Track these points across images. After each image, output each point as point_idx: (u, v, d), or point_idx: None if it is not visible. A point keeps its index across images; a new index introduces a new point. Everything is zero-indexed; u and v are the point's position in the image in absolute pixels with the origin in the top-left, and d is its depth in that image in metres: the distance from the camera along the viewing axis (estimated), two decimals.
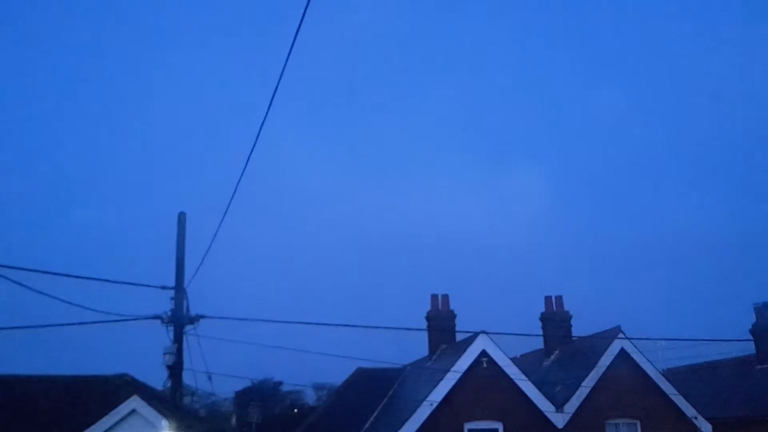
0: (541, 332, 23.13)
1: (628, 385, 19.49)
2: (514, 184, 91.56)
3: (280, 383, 50.94)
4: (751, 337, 24.39)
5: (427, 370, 21.11)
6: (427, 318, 23.08)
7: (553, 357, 23.03)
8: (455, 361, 18.63)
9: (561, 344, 22.99)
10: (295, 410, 45.72)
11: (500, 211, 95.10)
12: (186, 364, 12.84)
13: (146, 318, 12.50)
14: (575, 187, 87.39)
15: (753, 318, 24.75)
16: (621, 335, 19.81)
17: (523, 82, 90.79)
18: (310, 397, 50.03)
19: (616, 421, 19.40)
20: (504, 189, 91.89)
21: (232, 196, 12.40)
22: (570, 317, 22.99)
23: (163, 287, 12.77)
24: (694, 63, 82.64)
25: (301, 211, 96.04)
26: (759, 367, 24.15)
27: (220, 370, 14.25)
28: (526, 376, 18.96)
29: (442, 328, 22.43)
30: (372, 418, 21.31)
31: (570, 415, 18.47)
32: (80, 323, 11.57)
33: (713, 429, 19.69)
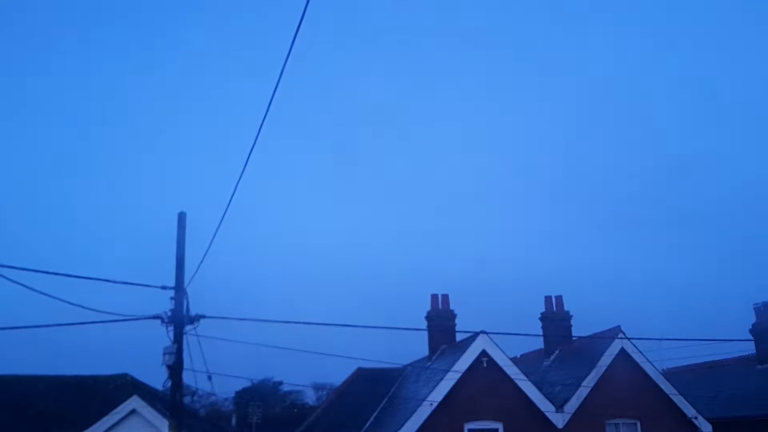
0: (541, 332, 23.13)
1: (628, 385, 19.49)
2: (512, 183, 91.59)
3: (280, 383, 51.08)
4: (751, 337, 24.41)
5: (427, 370, 21.12)
6: (427, 318, 23.09)
7: (553, 357, 23.04)
8: (455, 361, 18.64)
9: (561, 344, 22.99)
10: (295, 410, 45.78)
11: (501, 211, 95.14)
12: (186, 364, 12.85)
13: (146, 318, 12.52)
14: (573, 184, 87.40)
15: (753, 318, 24.78)
16: (621, 335, 19.81)
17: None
18: (310, 397, 50.17)
19: (616, 421, 19.40)
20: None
21: (232, 196, 12.43)
22: (570, 317, 23.00)
23: (163, 287, 12.78)
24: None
25: (302, 210, 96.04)
26: (759, 367, 24.15)
27: (220, 370, 14.26)
28: (526, 376, 18.96)
29: (442, 328, 22.44)
30: (372, 418, 21.31)
31: (570, 415, 18.47)
32: (80, 323, 11.59)
33: (713, 429, 19.69)
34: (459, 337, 21.98)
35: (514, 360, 20.07)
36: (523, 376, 18.74)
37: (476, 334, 18.91)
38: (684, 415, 19.59)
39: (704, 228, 76.15)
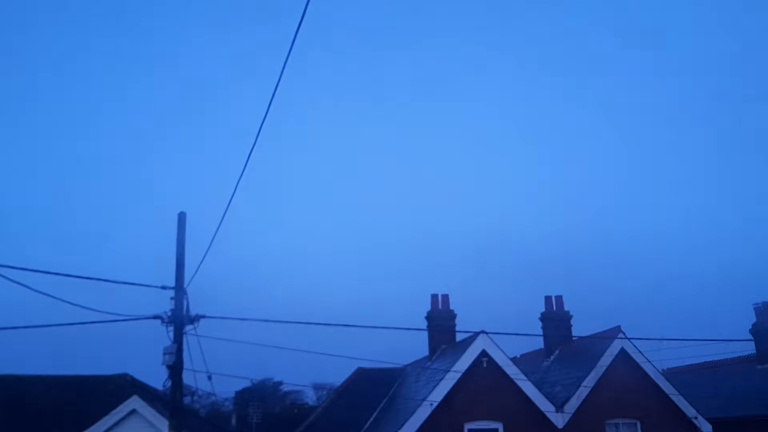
0: (541, 332, 23.12)
1: (628, 385, 19.49)
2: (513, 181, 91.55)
3: (280, 383, 51.09)
4: (751, 337, 24.41)
5: (427, 370, 21.12)
6: (427, 318, 23.07)
7: (553, 357, 23.03)
8: (455, 361, 18.64)
9: (561, 344, 22.99)
10: (295, 410, 45.79)
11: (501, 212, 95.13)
12: (186, 364, 12.85)
13: (146, 318, 12.52)
14: (574, 184, 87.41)
15: (753, 318, 24.77)
16: (621, 335, 19.80)
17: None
18: (310, 397, 50.20)
19: (616, 421, 19.40)
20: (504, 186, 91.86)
21: (232, 196, 12.43)
22: (570, 317, 22.99)
23: (163, 287, 12.78)
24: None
25: (302, 209, 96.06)
26: (759, 367, 24.15)
27: (220, 370, 14.26)
28: (526, 376, 18.95)
29: (442, 328, 22.43)
30: (372, 418, 21.32)
31: (570, 415, 18.46)
32: (80, 323, 11.59)
33: (713, 429, 19.69)
34: (459, 337, 21.97)
35: (514, 360, 20.05)
36: (523, 376, 18.74)
37: (476, 334, 18.90)
38: (684, 415, 19.58)
39: (704, 228, 76.16)
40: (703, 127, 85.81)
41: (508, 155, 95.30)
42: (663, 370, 23.40)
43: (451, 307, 23.06)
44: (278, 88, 8.38)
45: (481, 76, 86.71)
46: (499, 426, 18.39)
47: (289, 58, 7.59)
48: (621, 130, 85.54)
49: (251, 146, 10.31)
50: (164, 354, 12.59)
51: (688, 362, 25.87)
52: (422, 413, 17.57)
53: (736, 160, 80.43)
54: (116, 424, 16.37)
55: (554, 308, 23.04)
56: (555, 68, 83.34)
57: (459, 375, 18.18)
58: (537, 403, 18.48)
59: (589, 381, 19.03)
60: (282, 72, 8.00)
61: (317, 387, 46.08)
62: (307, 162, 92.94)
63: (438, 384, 18.11)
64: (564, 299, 23.21)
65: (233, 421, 43.44)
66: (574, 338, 22.86)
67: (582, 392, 18.80)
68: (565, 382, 19.88)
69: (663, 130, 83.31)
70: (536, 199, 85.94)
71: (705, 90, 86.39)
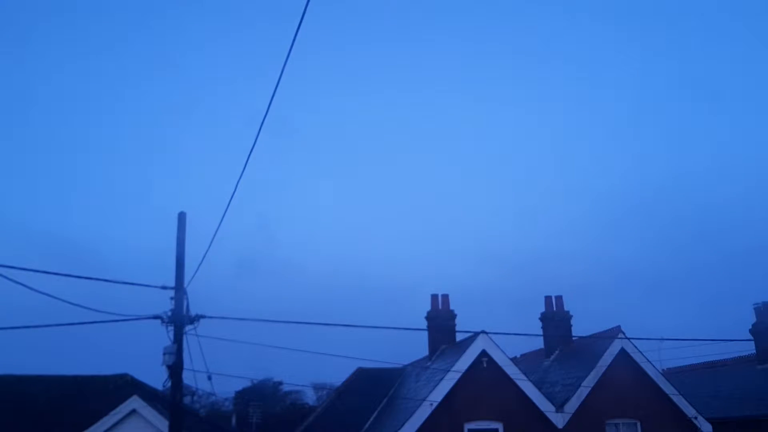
0: (541, 332, 23.12)
1: (628, 385, 19.49)
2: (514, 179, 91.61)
3: (280, 383, 51.04)
4: (751, 337, 24.41)
5: (427, 370, 21.11)
6: (427, 318, 23.06)
7: (553, 357, 23.03)
8: (455, 361, 18.63)
9: (561, 344, 22.98)
10: (295, 410, 45.76)
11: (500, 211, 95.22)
12: (186, 364, 12.85)
13: (146, 318, 12.52)
14: (575, 184, 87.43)
15: (753, 318, 24.77)
16: (621, 335, 19.80)
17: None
18: (310, 397, 50.15)
19: (616, 421, 19.40)
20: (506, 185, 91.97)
21: (232, 196, 12.43)
22: (570, 317, 22.98)
23: (163, 287, 12.78)
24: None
25: (302, 209, 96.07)
26: (759, 367, 24.15)
27: (220, 370, 14.26)
28: (526, 376, 18.95)
29: (442, 328, 22.42)
30: (372, 418, 21.30)
31: (570, 415, 18.46)
32: (80, 323, 11.59)
33: (713, 429, 19.68)
34: (459, 337, 21.97)
35: (514, 360, 20.05)
36: (523, 376, 18.73)
37: (476, 334, 18.89)
38: (684, 415, 19.58)
39: (704, 229, 76.18)
40: (703, 129, 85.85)
41: (514, 155, 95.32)
42: (663, 370, 23.40)
43: (451, 307, 23.07)
44: (279, 87, 8.39)
45: (482, 75, 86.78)
46: (499, 426, 18.39)
47: (290, 57, 7.61)
48: (621, 129, 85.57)
49: (251, 145, 10.32)
50: (164, 354, 12.59)
51: (688, 362, 25.90)
52: (422, 413, 17.56)
53: (738, 163, 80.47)
54: (116, 424, 16.38)
55: (554, 308, 23.04)
56: (555, 68, 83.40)
57: (459, 375, 18.18)
58: (537, 403, 18.47)
59: (589, 381, 19.02)
60: (282, 71, 8.01)
61: (317, 387, 46.03)
62: (307, 161, 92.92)
63: (438, 384, 18.11)
64: (564, 299, 23.23)
65: (233, 421, 43.39)
66: (574, 338, 22.85)
67: (582, 392, 18.80)
68: (565, 382, 19.88)
69: (662, 129, 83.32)
70: (535, 197, 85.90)
71: (705, 88, 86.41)
